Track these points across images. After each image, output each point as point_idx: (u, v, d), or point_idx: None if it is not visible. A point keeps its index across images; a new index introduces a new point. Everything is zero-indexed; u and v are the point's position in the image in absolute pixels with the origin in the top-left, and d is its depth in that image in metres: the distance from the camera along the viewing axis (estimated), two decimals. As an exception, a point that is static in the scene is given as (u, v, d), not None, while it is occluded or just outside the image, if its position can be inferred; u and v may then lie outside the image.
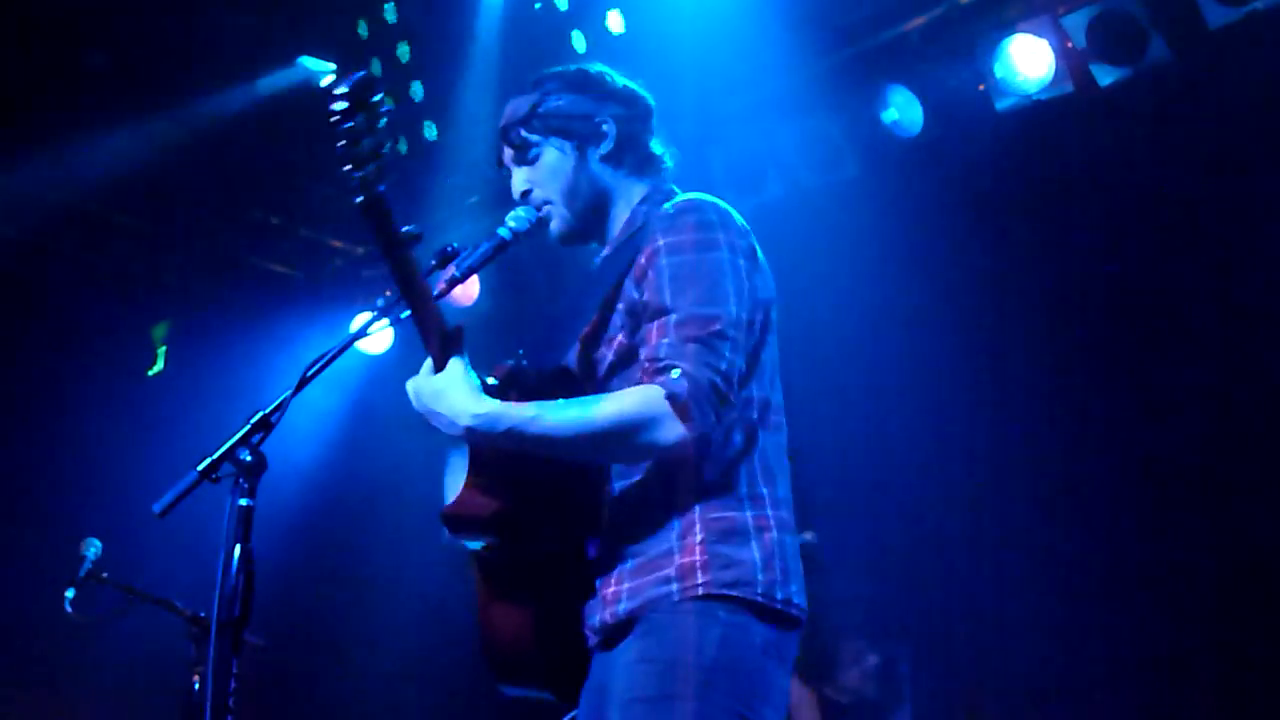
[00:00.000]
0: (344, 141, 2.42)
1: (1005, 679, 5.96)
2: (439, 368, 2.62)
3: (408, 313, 2.71)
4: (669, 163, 3.02)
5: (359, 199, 2.48)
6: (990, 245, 6.33)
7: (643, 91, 3.02)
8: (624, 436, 2.57)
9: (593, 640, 2.71)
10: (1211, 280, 5.73)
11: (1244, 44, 5.47)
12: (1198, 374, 5.76)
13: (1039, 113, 6.00)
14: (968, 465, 6.27)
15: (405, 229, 2.56)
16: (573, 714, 2.79)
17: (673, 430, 2.54)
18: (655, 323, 2.65)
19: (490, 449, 2.64)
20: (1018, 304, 6.36)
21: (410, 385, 2.66)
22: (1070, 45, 5.81)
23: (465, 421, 2.56)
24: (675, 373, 2.55)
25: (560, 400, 2.63)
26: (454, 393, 2.58)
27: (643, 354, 2.65)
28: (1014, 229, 6.36)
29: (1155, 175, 5.96)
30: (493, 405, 2.57)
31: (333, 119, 2.39)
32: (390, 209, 2.52)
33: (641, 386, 2.58)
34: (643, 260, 2.72)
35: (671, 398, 2.53)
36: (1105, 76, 5.86)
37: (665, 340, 2.61)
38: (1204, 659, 5.55)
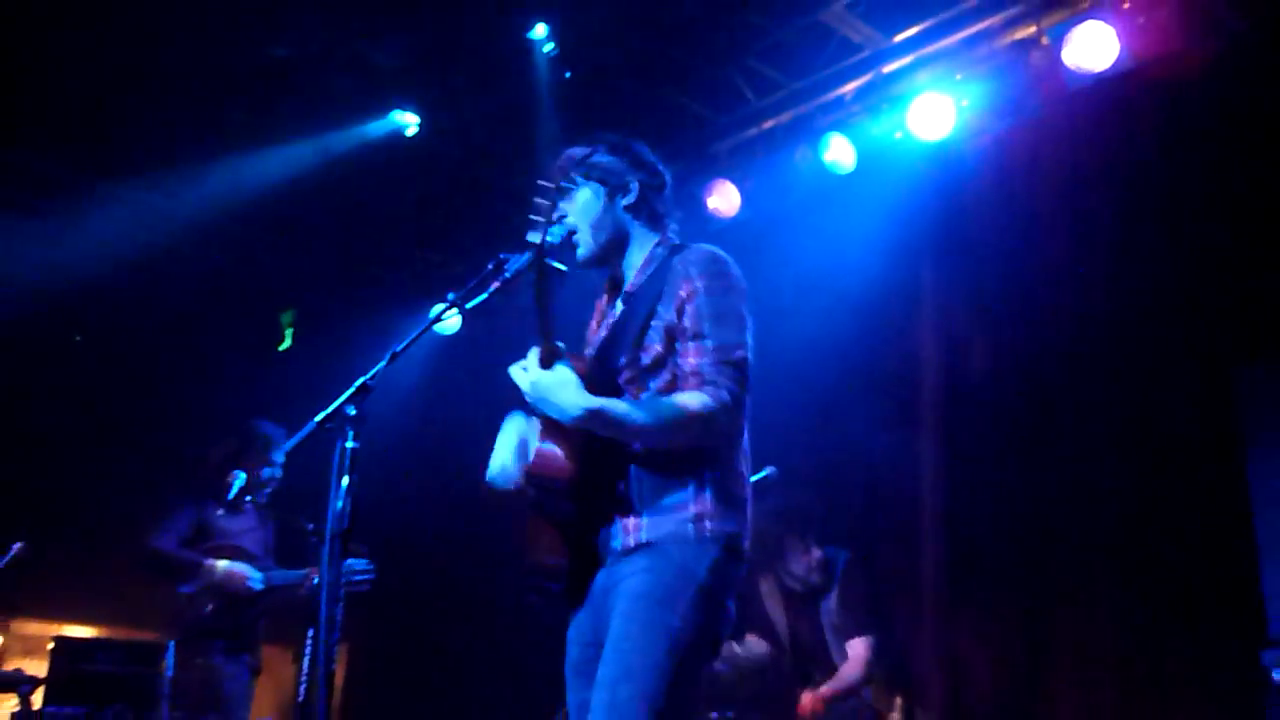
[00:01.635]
0: (537, 207, 2.66)
1: (915, 575, 5.99)
2: (546, 365, 2.65)
3: (474, 303, 2.75)
4: (673, 224, 3.00)
5: (536, 240, 2.66)
6: (905, 259, 6.34)
7: (664, 168, 3.01)
8: (686, 430, 2.61)
9: (610, 559, 2.70)
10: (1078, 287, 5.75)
11: (1094, 101, 5.51)
12: (1061, 375, 5.78)
13: (944, 154, 6.01)
14: (904, 439, 6.24)
15: (555, 264, 2.69)
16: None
17: (716, 429, 2.63)
18: (694, 344, 2.68)
19: (570, 427, 2.66)
20: (930, 306, 6.34)
21: (522, 374, 2.68)
22: (965, 103, 5.81)
23: (577, 413, 2.58)
24: (718, 388, 2.62)
25: (641, 401, 2.70)
26: (569, 390, 2.60)
27: (685, 365, 2.69)
28: (924, 248, 6.35)
29: (1032, 205, 5.95)
30: (598, 402, 2.59)
31: (539, 192, 2.66)
32: (549, 258, 2.68)
33: (696, 394, 2.62)
34: (683, 294, 2.73)
35: (721, 407, 2.61)
36: (994, 126, 5.88)
37: (706, 360, 2.66)
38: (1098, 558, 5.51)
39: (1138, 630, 5.22)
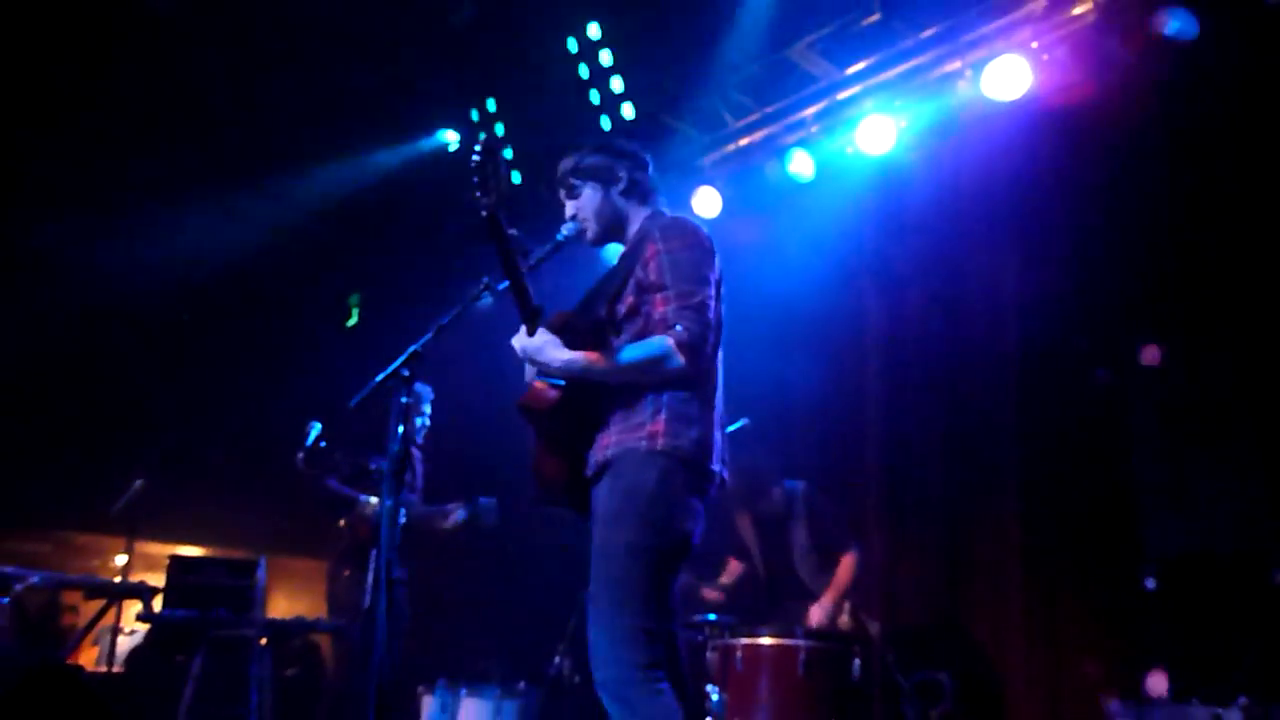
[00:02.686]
0: (476, 176, 2.38)
1: (859, 505, 5.98)
2: (530, 331, 2.61)
3: (504, 285, 2.64)
4: (661, 193, 2.94)
5: (484, 213, 2.39)
6: (855, 250, 6.29)
7: (642, 151, 2.96)
8: (652, 367, 2.59)
9: (590, 474, 2.69)
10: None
11: (1008, 122, 5.39)
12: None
13: (886, 166, 5.95)
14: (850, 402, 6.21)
15: (512, 232, 2.46)
16: None
17: (677, 364, 2.58)
18: (659, 294, 2.64)
19: (555, 371, 2.64)
20: (873, 284, 6.27)
21: (516, 342, 2.65)
22: (904, 124, 5.78)
23: (558, 365, 2.59)
24: (679, 328, 2.58)
25: (610, 349, 2.62)
26: (549, 349, 2.59)
27: (654, 314, 2.64)
28: (869, 240, 6.30)
29: (957, 205, 5.88)
30: (571, 354, 2.58)
31: (472, 161, 2.36)
32: (502, 220, 2.43)
33: (659, 337, 2.59)
34: (648, 254, 2.68)
35: (679, 345, 2.57)
36: (927, 143, 5.83)
37: (669, 307, 2.61)
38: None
39: (1039, 552, 5.24)
